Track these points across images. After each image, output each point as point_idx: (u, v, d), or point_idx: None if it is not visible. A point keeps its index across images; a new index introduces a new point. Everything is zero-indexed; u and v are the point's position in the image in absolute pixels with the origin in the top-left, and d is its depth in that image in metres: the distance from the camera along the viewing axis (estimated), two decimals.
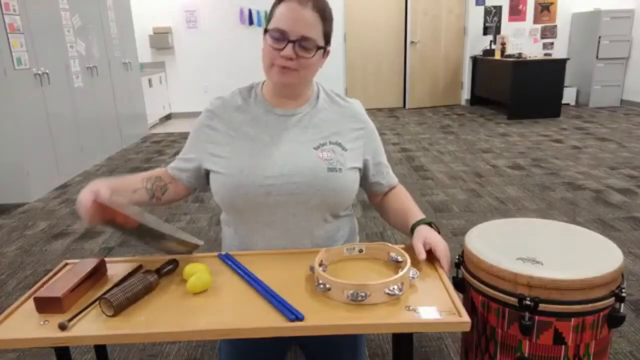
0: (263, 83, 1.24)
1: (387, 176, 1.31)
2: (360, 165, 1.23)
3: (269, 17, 1.13)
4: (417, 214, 1.20)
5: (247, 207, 1.16)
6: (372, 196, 1.36)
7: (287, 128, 1.18)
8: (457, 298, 0.92)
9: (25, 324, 0.91)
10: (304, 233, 1.19)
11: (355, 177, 1.22)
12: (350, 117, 1.24)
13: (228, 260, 1.12)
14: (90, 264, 1.06)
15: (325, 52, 1.16)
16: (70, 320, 0.89)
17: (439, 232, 1.13)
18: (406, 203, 1.26)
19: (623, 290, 0.98)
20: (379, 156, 1.29)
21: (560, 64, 6.19)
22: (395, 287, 0.93)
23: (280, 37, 1.07)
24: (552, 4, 7.27)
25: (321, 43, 1.11)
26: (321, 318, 0.88)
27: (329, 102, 1.24)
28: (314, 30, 1.08)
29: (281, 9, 1.08)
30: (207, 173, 1.23)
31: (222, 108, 1.22)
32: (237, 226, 1.24)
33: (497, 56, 6.72)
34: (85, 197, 1.01)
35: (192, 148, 1.25)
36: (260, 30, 6.60)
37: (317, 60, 1.13)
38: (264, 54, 1.13)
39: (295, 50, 1.07)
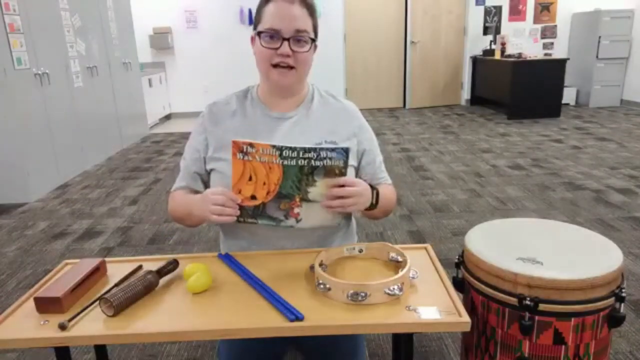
0: (258, 85, 1.26)
1: (381, 176, 1.29)
2: (355, 163, 1.24)
3: (257, 20, 1.15)
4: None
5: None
6: None
7: (283, 130, 1.20)
8: (457, 298, 0.92)
9: (25, 324, 0.91)
10: (302, 232, 1.18)
11: (351, 175, 1.22)
12: (343, 116, 1.25)
13: (228, 260, 1.12)
14: (90, 264, 1.06)
15: (315, 47, 1.19)
16: (70, 320, 0.89)
17: (376, 200, 1.11)
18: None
19: (623, 290, 0.98)
20: (372, 155, 1.28)
21: (560, 64, 6.19)
22: (395, 287, 0.93)
23: (275, 36, 1.10)
24: (552, 4, 7.27)
25: (313, 36, 1.14)
26: (321, 318, 0.89)
27: (323, 103, 1.26)
28: (305, 23, 1.11)
29: (269, 9, 1.11)
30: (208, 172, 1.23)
31: (217, 115, 1.23)
32: (235, 227, 1.24)
33: (497, 56, 6.71)
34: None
35: (192, 163, 1.24)
36: None
37: (311, 55, 1.16)
38: (259, 56, 1.15)
39: (291, 46, 1.10)
